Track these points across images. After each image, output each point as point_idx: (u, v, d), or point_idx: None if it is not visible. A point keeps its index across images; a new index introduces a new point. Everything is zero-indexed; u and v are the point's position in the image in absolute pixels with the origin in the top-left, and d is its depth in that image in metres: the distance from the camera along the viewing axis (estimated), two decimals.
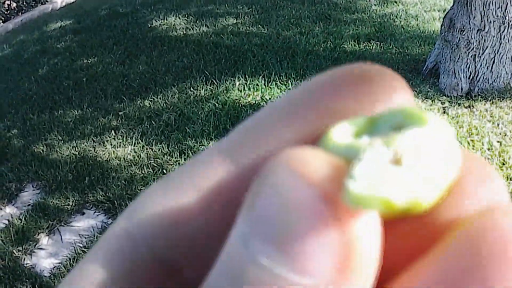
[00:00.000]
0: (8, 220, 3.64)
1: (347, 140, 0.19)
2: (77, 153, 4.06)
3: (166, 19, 6.21)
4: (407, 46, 4.75)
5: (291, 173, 0.17)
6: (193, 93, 4.48)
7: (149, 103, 4.45)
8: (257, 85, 4.38)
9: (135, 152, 3.88)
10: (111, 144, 4.04)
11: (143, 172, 3.64)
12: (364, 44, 4.88)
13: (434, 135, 0.18)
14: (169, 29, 5.94)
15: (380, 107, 0.20)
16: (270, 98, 4.23)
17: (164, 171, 3.58)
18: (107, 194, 3.54)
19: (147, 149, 3.88)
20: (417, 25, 5.26)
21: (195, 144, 3.79)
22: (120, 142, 4.04)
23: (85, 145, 4.12)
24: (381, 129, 0.20)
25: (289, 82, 4.38)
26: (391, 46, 4.77)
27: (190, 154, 3.67)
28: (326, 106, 0.20)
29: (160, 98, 4.48)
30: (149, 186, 0.22)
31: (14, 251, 3.36)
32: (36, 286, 3.06)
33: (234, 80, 4.50)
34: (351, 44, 4.91)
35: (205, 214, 0.21)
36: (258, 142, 0.21)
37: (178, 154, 3.73)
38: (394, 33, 5.03)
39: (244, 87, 4.39)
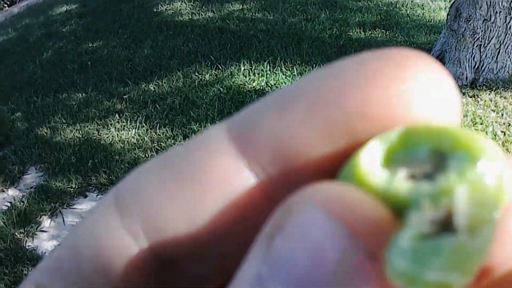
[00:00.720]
0: (11, 203, 3.66)
1: (382, 175, 0.17)
2: (80, 136, 4.09)
3: (172, 4, 6.19)
4: (412, 35, 4.76)
5: (326, 216, 0.16)
6: (198, 77, 4.49)
7: (153, 87, 4.47)
8: (262, 70, 4.39)
9: (139, 135, 3.91)
10: (115, 127, 4.06)
11: (147, 155, 3.66)
12: (370, 32, 4.90)
13: (492, 181, 0.16)
14: (175, 14, 5.93)
15: (419, 111, 0.18)
16: (275, 84, 4.25)
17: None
18: (110, 177, 3.58)
19: (151, 132, 3.91)
20: (423, 14, 5.26)
21: (199, 128, 3.81)
22: (124, 125, 4.07)
23: (89, 128, 4.15)
24: (419, 152, 0.17)
25: (295, 68, 4.40)
26: (396, 35, 4.78)
27: (192, 135, 3.68)
28: (354, 106, 0.18)
29: (165, 82, 4.50)
30: (142, 166, 0.21)
31: (16, 233, 3.39)
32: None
33: (239, 66, 4.51)
34: (357, 32, 4.92)
35: (209, 214, 0.19)
36: (274, 133, 0.19)
37: (182, 137, 3.76)
38: (399, 22, 5.04)
39: (249, 73, 4.40)
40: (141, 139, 3.86)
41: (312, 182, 0.17)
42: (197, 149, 0.20)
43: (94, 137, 4.02)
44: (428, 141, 0.17)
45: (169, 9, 6.09)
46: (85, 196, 3.54)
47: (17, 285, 2.99)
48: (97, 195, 3.51)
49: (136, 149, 3.77)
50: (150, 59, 4.96)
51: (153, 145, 3.76)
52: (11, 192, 3.82)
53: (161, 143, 3.75)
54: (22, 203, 3.60)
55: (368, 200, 0.16)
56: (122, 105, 4.35)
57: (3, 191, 3.85)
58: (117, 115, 4.20)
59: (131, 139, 3.90)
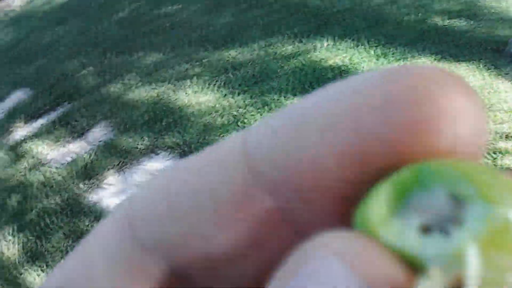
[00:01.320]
0: (76, 155, 3.70)
1: (394, 226, 0.16)
2: (155, 95, 4.08)
3: None
4: (495, 27, 4.53)
5: (345, 268, 0.15)
6: (279, 49, 4.41)
7: (233, 54, 4.42)
8: (345, 48, 4.27)
9: (216, 100, 3.86)
10: (192, 90, 4.02)
11: (222, 120, 3.62)
12: (453, 21, 4.70)
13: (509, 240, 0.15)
14: None
15: (444, 142, 0.16)
16: (357, 62, 4.12)
17: (245, 121, 3.54)
18: (183, 138, 3.53)
19: (228, 98, 3.85)
20: (507, 7, 5.01)
21: (279, 98, 3.73)
22: (201, 89, 4.02)
23: (164, 89, 4.12)
24: (435, 196, 0.16)
25: (378, 49, 4.25)
26: (479, 25, 4.57)
27: (273, 107, 3.61)
28: (372, 130, 0.16)
29: (245, 51, 4.44)
30: (156, 177, 0.20)
31: (78, 185, 3.42)
32: (98, 221, 3.05)
33: (322, 41, 4.41)
34: (440, 19, 4.73)
35: (223, 233, 0.19)
36: (289, 155, 0.18)
37: (260, 106, 3.68)
38: (483, 13, 4.81)
39: (331, 48, 4.29)
40: (218, 104, 3.80)
41: (330, 221, 0.17)
42: (212, 165, 0.19)
43: (169, 98, 3.99)
44: (446, 183, 0.16)
45: None
46: (156, 154, 3.50)
47: (74, 236, 3.02)
48: (169, 154, 3.46)
49: (213, 113, 3.71)
50: (231, 26, 4.93)
51: (230, 110, 3.70)
52: (76, 144, 3.85)
53: (239, 109, 3.69)
54: (87, 156, 3.62)
55: (387, 256, 0.15)
56: (200, 69, 4.30)
57: (68, 143, 3.89)
58: (194, 78, 4.16)
59: (207, 103, 3.84)
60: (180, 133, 3.59)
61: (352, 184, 0.17)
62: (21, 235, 3.27)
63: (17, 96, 5.01)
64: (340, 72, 3.79)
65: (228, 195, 0.18)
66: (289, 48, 4.39)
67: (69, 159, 3.70)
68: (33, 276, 2.99)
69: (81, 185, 3.42)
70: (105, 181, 3.41)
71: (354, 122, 0.17)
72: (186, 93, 4.02)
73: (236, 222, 0.19)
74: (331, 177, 0.17)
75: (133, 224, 0.20)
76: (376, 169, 0.17)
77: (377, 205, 0.16)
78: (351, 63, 4.11)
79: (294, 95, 3.74)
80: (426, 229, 0.16)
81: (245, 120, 3.55)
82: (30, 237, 3.22)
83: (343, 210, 0.18)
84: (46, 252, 3.08)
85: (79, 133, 3.94)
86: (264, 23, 4.85)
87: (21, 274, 3.04)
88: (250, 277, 0.20)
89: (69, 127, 4.05)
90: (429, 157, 0.17)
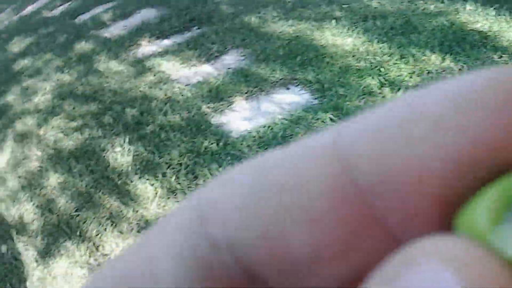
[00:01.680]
0: (203, 77, 3.65)
1: (503, 230, 0.15)
2: (292, 31, 3.97)
3: None
4: None
5: (454, 275, 0.14)
6: (422, 5, 4.18)
7: (375, 4, 4.24)
8: (487, 14, 3.99)
9: (354, 45, 3.69)
10: (330, 32, 3.88)
11: (359, 64, 3.45)
12: None
13: None
14: None
15: None
16: (497, 31, 3.84)
17: (382, 69, 3.36)
18: (318, 76, 3.39)
19: (367, 45, 3.67)
20: None
21: (418, 52, 3.52)
22: (340, 32, 3.87)
23: (302, 27, 4.02)
24: None
25: None
26: None
27: (411, 60, 3.42)
28: (486, 134, 0.16)
29: (386, 2, 4.25)
30: (230, 172, 0.19)
31: (204, 106, 3.36)
32: (221, 143, 3.02)
33: (464, 4, 4.16)
34: None
35: (304, 231, 0.17)
36: (390, 157, 0.17)
37: (399, 57, 3.48)
38: None
39: (473, 13, 4.03)
40: (356, 49, 3.64)
41: (428, 225, 0.17)
42: (302, 161, 0.18)
43: (306, 37, 3.87)
44: None
45: None
46: (287, 88, 3.38)
47: (192, 154, 2.94)
48: (300, 90, 3.33)
49: (350, 57, 3.56)
50: None
51: (367, 56, 3.53)
52: (205, 68, 3.81)
53: (376, 57, 3.51)
54: (216, 80, 3.57)
55: (497, 264, 0.14)
56: (341, 13, 4.16)
57: (196, 65, 3.86)
58: (334, 21, 4.03)
59: (345, 47, 3.69)
60: (315, 71, 3.45)
61: (457, 188, 0.16)
62: (136, 145, 3.23)
63: (143, 15, 5.07)
64: (481, 39, 3.58)
65: (319, 194, 0.17)
66: (431, 7, 4.16)
67: (196, 80, 3.67)
68: (145, 185, 2.93)
69: (208, 106, 3.37)
70: (232, 106, 3.33)
71: (465, 122, 0.16)
72: (323, 34, 3.88)
73: (327, 223, 0.17)
74: (436, 180, 0.16)
75: (205, 219, 0.18)
76: (484, 173, 0.16)
77: (484, 209, 0.15)
78: (490, 31, 3.87)
79: (433, 52, 3.55)
80: None
81: (382, 69, 3.37)
82: (146, 149, 3.16)
83: (443, 216, 0.17)
84: (159, 165, 3.01)
85: (208, 58, 3.91)
86: None
87: (131, 181, 2.98)
88: (335, 282, 0.18)
89: (198, 51, 4.02)
90: None
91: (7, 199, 3.26)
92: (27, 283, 2.69)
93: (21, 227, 3.00)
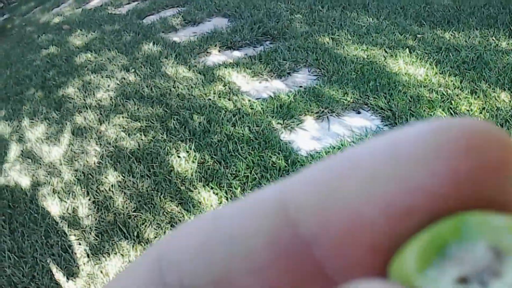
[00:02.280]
0: (274, 93, 3.67)
1: (431, 277, 0.16)
2: (365, 56, 4.02)
3: None
4: None
5: None
6: (495, 42, 4.21)
7: (449, 36, 4.28)
8: None
9: (426, 75, 3.72)
10: (403, 60, 3.92)
11: (431, 96, 3.46)
12: None
13: None
14: None
15: (486, 194, 0.17)
16: None
17: (452, 101, 3.38)
18: (389, 104, 3.41)
19: (439, 76, 3.70)
20: None
21: (488, 88, 3.52)
22: (413, 61, 3.91)
23: (376, 52, 4.07)
24: (474, 248, 0.16)
25: None
26: None
27: (481, 96, 3.42)
28: (416, 182, 0.17)
29: (461, 36, 4.28)
30: (188, 223, 0.21)
31: (274, 121, 3.38)
32: (289, 160, 3.02)
33: None
34: None
35: (254, 272, 0.19)
36: (329, 204, 0.18)
37: (469, 91, 3.49)
38: None
39: None
40: (428, 80, 3.67)
41: (365, 272, 0.18)
42: (249, 214, 0.19)
43: (379, 62, 3.92)
44: (488, 235, 0.16)
45: None
46: (358, 112, 3.41)
47: (259, 168, 3.00)
48: (371, 115, 3.36)
49: (421, 87, 3.58)
50: (449, 9, 4.84)
51: (439, 88, 3.55)
52: (276, 83, 3.85)
53: (448, 89, 3.53)
54: (287, 97, 3.58)
55: None
56: (414, 42, 4.21)
57: (267, 80, 3.89)
58: (407, 50, 4.08)
59: (418, 76, 3.72)
60: (386, 98, 3.47)
61: (392, 235, 0.17)
62: (202, 153, 3.25)
63: (214, 23, 5.14)
64: None
65: (264, 245, 0.19)
66: (503, 43, 4.19)
67: (266, 95, 3.70)
68: (209, 194, 2.95)
69: (277, 122, 3.39)
70: (302, 124, 3.36)
71: (398, 173, 0.17)
72: (397, 62, 3.91)
73: (271, 272, 0.18)
74: (372, 229, 0.17)
75: (164, 267, 0.20)
76: (418, 220, 0.17)
77: (414, 255, 0.16)
78: None
79: (503, 89, 3.55)
80: (463, 281, 0.16)
81: (453, 102, 3.38)
82: (212, 157, 3.18)
83: (380, 261, 0.18)
84: (224, 176, 3.03)
85: (280, 74, 3.95)
86: (481, 14, 4.68)
87: (195, 188, 3.00)
88: None
89: (270, 65, 4.06)
90: (471, 208, 0.17)
91: (61, 191, 3.28)
92: (75, 277, 2.69)
93: (74, 221, 3.03)
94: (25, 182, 3.47)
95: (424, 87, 3.56)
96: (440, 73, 3.72)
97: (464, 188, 0.17)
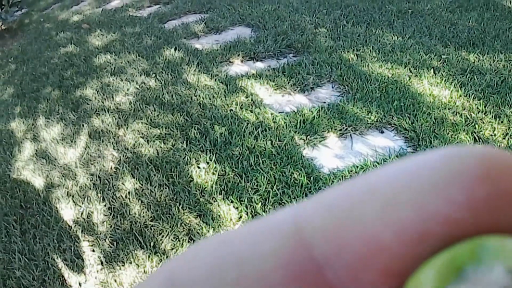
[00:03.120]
0: (297, 108, 3.67)
1: None
2: (390, 75, 4.01)
3: None
4: None
5: None
6: None
7: (473, 59, 4.26)
8: None
9: (451, 97, 3.71)
10: (428, 81, 3.92)
11: (455, 119, 3.46)
12: None
13: None
14: None
15: (503, 220, 0.18)
16: None
17: (476, 125, 3.37)
18: (413, 124, 3.41)
19: (463, 99, 3.69)
20: None
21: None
22: (437, 83, 3.90)
23: (400, 71, 4.06)
24: (492, 270, 0.16)
25: None
26: None
27: (505, 121, 3.41)
28: (432, 209, 0.17)
29: (485, 59, 4.26)
30: (198, 244, 0.21)
31: (296, 137, 3.37)
32: (311, 178, 3.00)
33: None
34: None
35: None
36: (344, 228, 0.18)
37: (493, 116, 3.48)
38: None
39: None
40: (453, 102, 3.65)
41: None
42: (262, 236, 0.20)
43: (404, 82, 3.91)
44: (504, 259, 0.17)
45: None
46: (381, 132, 3.40)
47: (281, 183, 2.98)
48: (395, 135, 3.35)
49: (446, 109, 3.57)
50: (474, 31, 4.82)
51: (463, 111, 3.54)
52: (299, 98, 3.84)
53: (472, 113, 3.52)
54: (310, 113, 3.58)
55: None
56: (439, 63, 4.20)
57: (290, 94, 3.88)
58: (432, 70, 4.07)
59: (442, 98, 3.71)
60: (410, 119, 3.46)
61: (407, 260, 0.17)
62: (222, 165, 3.23)
63: (237, 33, 5.12)
64: None
65: (277, 266, 0.19)
66: None
67: (289, 109, 3.69)
68: (229, 207, 2.93)
69: (300, 137, 3.37)
70: (325, 141, 3.35)
71: (416, 199, 0.17)
72: (421, 82, 3.90)
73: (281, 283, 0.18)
74: (387, 254, 0.18)
75: (175, 287, 0.20)
76: (433, 246, 0.17)
77: (431, 275, 0.17)
78: None
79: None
80: None
81: (476, 126, 3.36)
82: (233, 170, 3.17)
83: (393, 286, 0.18)
84: (245, 190, 3.01)
85: (303, 88, 3.94)
86: (506, 37, 4.67)
87: (215, 201, 2.98)
88: None
89: (294, 79, 4.05)
90: (488, 234, 0.17)
91: (76, 195, 3.26)
92: (87, 284, 2.67)
93: (89, 226, 3.01)
94: (38, 182, 3.44)
95: (448, 109, 3.55)
96: (464, 96, 3.71)
97: (480, 215, 0.17)
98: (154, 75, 4.49)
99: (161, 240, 2.81)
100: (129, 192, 3.17)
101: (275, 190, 2.93)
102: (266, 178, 3.03)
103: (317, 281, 0.18)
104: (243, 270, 0.19)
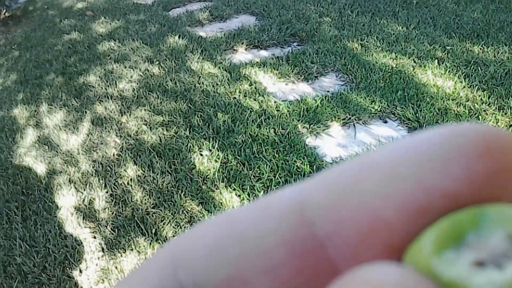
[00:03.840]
0: (301, 96, 3.66)
1: (447, 259, 0.16)
2: (394, 65, 3.99)
3: None
4: None
5: None
6: None
7: (478, 51, 4.24)
8: None
9: (454, 88, 3.69)
10: (432, 72, 3.90)
11: (459, 109, 3.45)
12: None
13: None
14: None
15: (502, 192, 0.18)
16: None
17: (480, 117, 3.37)
18: (417, 114, 3.39)
19: (467, 90, 3.67)
20: None
21: None
22: (441, 73, 3.88)
23: (405, 62, 4.05)
24: (492, 236, 0.16)
25: None
26: None
27: (508, 112, 3.39)
28: (433, 183, 0.17)
29: (490, 51, 4.24)
30: (202, 223, 0.21)
31: (300, 125, 3.36)
32: (314, 166, 2.99)
33: None
34: None
35: (268, 270, 0.19)
36: (348, 203, 0.18)
37: (497, 107, 3.47)
38: None
39: None
40: (456, 93, 3.64)
41: (378, 259, 0.18)
42: (263, 214, 0.20)
43: (408, 72, 3.90)
44: (504, 225, 0.17)
45: None
46: (385, 121, 3.38)
47: (284, 171, 2.97)
48: (398, 125, 3.34)
49: (450, 100, 3.55)
50: (479, 23, 4.80)
51: (466, 102, 3.54)
52: (303, 87, 3.83)
53: (475, 104, 3.52)
54: (314, 101, 3.56)
55: (428, 286, 0.16)
56: (443, 54, 4.18)
57: (294, 82, 3.87)
58: (436, 61, 4.05)
59: (446, 89, 3.69)
60: (414, 109, 3.44)
61: (408, 235, 0.18)
62: (225, 152, 3.22)
63: (241, 21, 5.12)
64: None
65: (279, 244, 0.19)
66: None
67: (293, 97, 3.68)
68: (231, 195, 2.91)
69: (303, 126, 3.35)
70: (328, 130, 3.33)
71: (416, 174, 0.18)
72: (425, 73, 3.89)
73: (285, 271, 0.19)
74: (387, 229, 0.18)
75: (176, 265, 0.20)
76: (434, 220, 0.17)
77: (431, 240, 0.17)
78: None
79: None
80: (479, 264, 0.16)
81: (480, 117, 3.36)
82: (236, 158, 3.16)
83: (395, 261, 0.18)
84: (247, 177, 2.99)
85: (307, 77, 3.93)
86: (510, 29, 4.66)
87: (217, 188, 2.97)
88: None
89: (297, 68, 4.04)
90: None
91: (78, 181, 3.24)
92: (88, 271, 2.65)
93: (90, 213, 2.99)
94: (40, 169, 3.43)
95: (452, 100, 3.54)
96: (468, 87, 3.70)
97: (480, 189, 0.17)
98: (157, 62, 4.47)
99: (162, 227, 2.79)
100: (131, 179, 3.16)
101: (277, 178, 2.92)
102: (269, 166, 3.02)
103: (318, 258, 0.18)
104: (244, 247, 0.19)
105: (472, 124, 0.18)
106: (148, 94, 3.97)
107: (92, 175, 3.28)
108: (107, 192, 3.11)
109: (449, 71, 3.89)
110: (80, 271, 2.65)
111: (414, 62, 4.03)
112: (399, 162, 0.18)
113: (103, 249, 2.75)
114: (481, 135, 0.18)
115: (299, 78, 3.91)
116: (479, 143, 0.18)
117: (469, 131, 0.18)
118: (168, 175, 3.11)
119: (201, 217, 2.80)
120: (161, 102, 3.83)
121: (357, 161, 0.19)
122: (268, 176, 2.94)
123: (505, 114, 3.35)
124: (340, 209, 0.18)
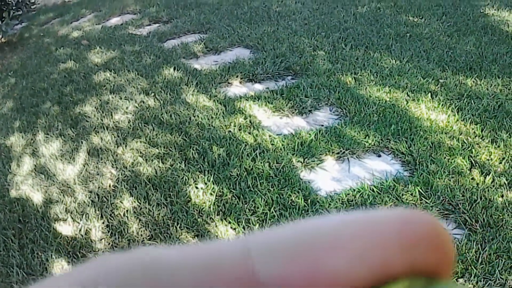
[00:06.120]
0: (295, 130, 3.72)
1: None
2: (388, 99, 4.07)
3: (500, 12, 6.05)
4: None
5: None
6: None
7: (471, 83, 4.32)
8: None
9: (448, 122, 3.76)
10: (425, 105, 3.97)
11: (452, 143, 3.50)
12: None
13: None
14: (502, 22, 5.74)
15: (426, 265, 0.21)
16: None
17: (473, 150, 3.40)
18: (410, 148, 3.45)
19: (460, 124, 3.74)
20: None
21: (509, 138, 3.55)
22: (435, 107, 3.95)
23: (398, 95, 4.12)
24: None
25: None
26: None
27: (501, 145, 3.45)
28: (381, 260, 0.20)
29: (483, 83, 4.32)
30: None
31: (294, 159, 3.40)
32: (308, 200, 3.05)
33: None
34: None
35: None
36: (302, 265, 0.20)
37: (489, 141, 3.52)
38: None
39: None
40: (450, 127, 3.70)
41: None
42: (213, 263, 0.21)
43: (402, 106, 3.97)
44: None
45: (496, 16, 5.95)
46: (379, 155, 3.44)
47: (278, 205, 3.00)
48: (392, 159, 3.40)
49: (443, 134, 3.62)
50: (472, 56, 4.85)
51: (459, 135, 3.59)
52: (297, 120, 3.89)
53: (468, 137, 3.57)
54: (308, 135, 3.62)
55: None
56: (437, 87, 4.26)
57: (288, 116, 3.93)
58: (429, 95, 4.12)
59: (439, 122, 3.76)
60: (407, 143, 3.51)
61: None
62: (220, 186, 3.26)
63: (236, 54, 5.17)
64: None
65: (216, 279, 0.20)
66: None
67: (287, 131, 3.75)
68: (226, 228, 2.98)
69: (298, 160, 3.41)
70: (322, 164, 3.39)
71: (361, 247, 0.20)
72: (419, 106, 3.96)
73: None
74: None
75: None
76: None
77: None
78: None
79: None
80: None
81: (473, 150, 3.40)
82: (231, 191, 3.21)
83: None
84: (243, 211, 3.05)
85: (301, 111, 3.99)
86: (503, 62, 4.73)
87: (212, 221, 3.02)
88: None
89: (292, 102, 4.11)
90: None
91: (74, 211, 3.29)
92: None
93: (87, 243, 3.04)
94: (37, 197, 3.48)
95: (445, 133, 3.60)
96: (461, 120, 3.76)
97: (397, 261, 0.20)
98: (153, 94, 4.54)
99: None
100: (127, 211, 3.21)
101: (272, 212, 2.98)
102: (264, 199, 3.07)
103: None
104: (177, 277, 0.20)
105: (394, 210, 0.22)
106: (144, 126, 4.03)
107: (88, 206, 3.33)
108: (103, 223, 3.16)
109: (442, 105, 3.95)
110: None
111: (408, 95, 4.10)
112: (344, 235, 0.21)
113: None
114: (400, 223, 0.21)
115: (293, 112, 3.97)
116: (429, 233, 0.21)
117: (418, 219, 0.21)
118: (164, 207, 3.17)
119: None
120: (156, 134, 3.89)
121: (303, 226, 0.21)
122: (263, 210, 3.00)
123: (498, 147, 3.41)
124: (286, 269, 0.20)
